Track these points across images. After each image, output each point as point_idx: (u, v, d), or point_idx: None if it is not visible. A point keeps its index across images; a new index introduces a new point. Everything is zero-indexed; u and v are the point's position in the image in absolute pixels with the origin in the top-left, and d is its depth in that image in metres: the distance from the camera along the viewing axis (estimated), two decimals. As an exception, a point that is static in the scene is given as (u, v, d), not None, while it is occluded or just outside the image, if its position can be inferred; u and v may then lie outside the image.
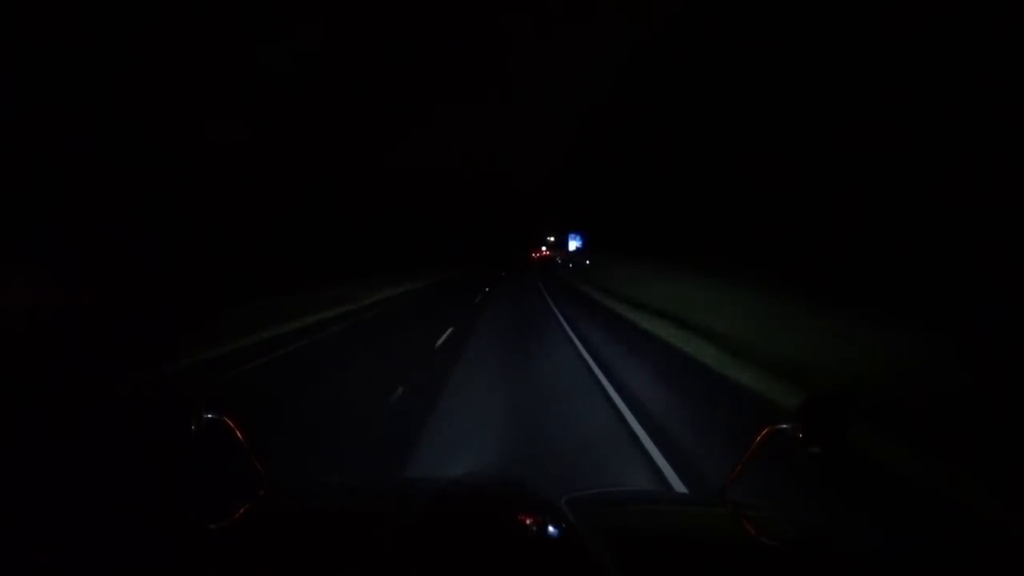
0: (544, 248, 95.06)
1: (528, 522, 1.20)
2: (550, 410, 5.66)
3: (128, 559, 0.93)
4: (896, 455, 4.32)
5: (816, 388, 5.94)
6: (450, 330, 11.21)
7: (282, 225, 20.90)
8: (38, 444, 4.65)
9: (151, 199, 13.69)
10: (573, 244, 59.44)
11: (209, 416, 1.32)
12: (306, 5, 25.51)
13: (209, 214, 16.05)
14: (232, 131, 18.44)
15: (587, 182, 53.78)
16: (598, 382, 6.84)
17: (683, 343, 9.99)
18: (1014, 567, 2.78)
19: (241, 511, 1.22)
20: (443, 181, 48.53)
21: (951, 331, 7.04)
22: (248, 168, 19.08)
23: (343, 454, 4.36)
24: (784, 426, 1.29)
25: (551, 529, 1.14)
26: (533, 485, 1.54)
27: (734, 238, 17.46)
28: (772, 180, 15.31)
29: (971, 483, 3.70)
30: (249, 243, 17.65)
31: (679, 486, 3.72)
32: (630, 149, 35.76)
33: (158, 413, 1.33)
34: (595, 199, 48.68)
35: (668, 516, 1.39)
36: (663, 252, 23.47)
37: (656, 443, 4.55)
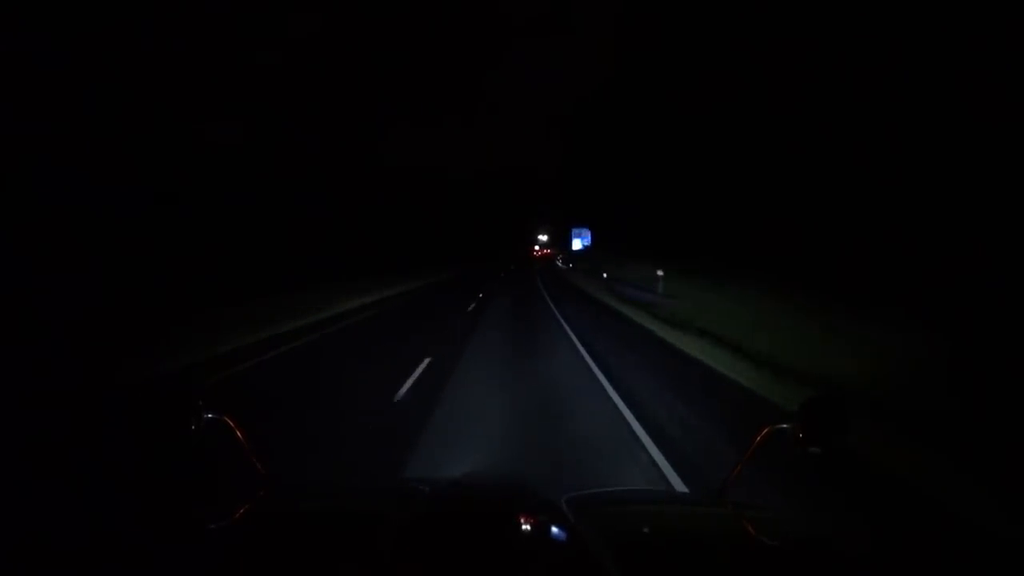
0: (538, 248, 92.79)
1: (528, 522, 1.20)
2: None
3: (128, 559, 0.93)
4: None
5: None
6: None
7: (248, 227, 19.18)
8: (35, 443, 4.65)
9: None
10: (578, 243, 49.51)
11: (209, 416, 1.32)
12: (296, 5, 24.95)
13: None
14: (225, 131, 18.17)
15: (589, 173, 48.48)
16: None
17: None
18: (1011, 567, 2.78)
19: (241, 511, 1.22)
20: (424, 180, 45.28)
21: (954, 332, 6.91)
22: (237, 168, 18.55)
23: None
24: (784, 426, 1.29)
25: (551, 529, 1.14)
26: (533, 485, 1.54)
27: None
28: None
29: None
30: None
31: None
32: (641, 133, 31.51)
33: (158, 412, 1.32)
34: (601, 192, 42.58)
35: (668, 516, 1.39)
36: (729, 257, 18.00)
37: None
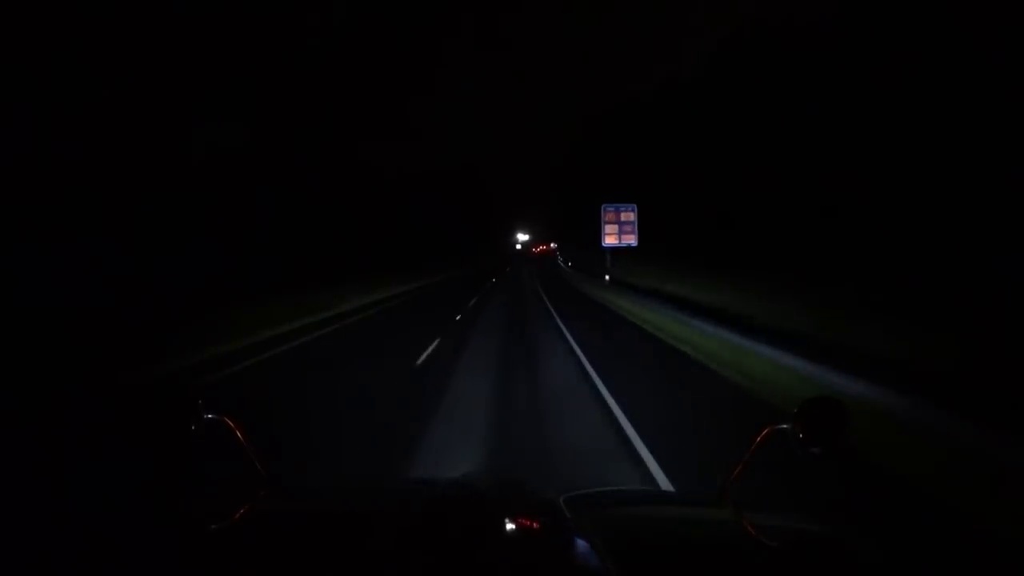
0: (520, 245, 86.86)
1: (527, 522, 1.20)
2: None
3: (128, 559, 0.93)
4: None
5: None
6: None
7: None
8: (36, 441, 4.65)
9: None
10: (613, 235, 23.11)
11: (209, 416, 1.31)
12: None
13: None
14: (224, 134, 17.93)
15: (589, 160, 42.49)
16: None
17: None
18: (1013, 567, 2.78)
19: (241, 511, 1.22)
20: (400, 177, 40.89)
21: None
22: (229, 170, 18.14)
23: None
24: (784, 426, 1.29)
25: (551, 529, 1.14)
26: (532, 485, 1.54)
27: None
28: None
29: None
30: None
31: None
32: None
33: (157, 413, 1.32)
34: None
35: (668, 516, 1.39)
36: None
37: None
